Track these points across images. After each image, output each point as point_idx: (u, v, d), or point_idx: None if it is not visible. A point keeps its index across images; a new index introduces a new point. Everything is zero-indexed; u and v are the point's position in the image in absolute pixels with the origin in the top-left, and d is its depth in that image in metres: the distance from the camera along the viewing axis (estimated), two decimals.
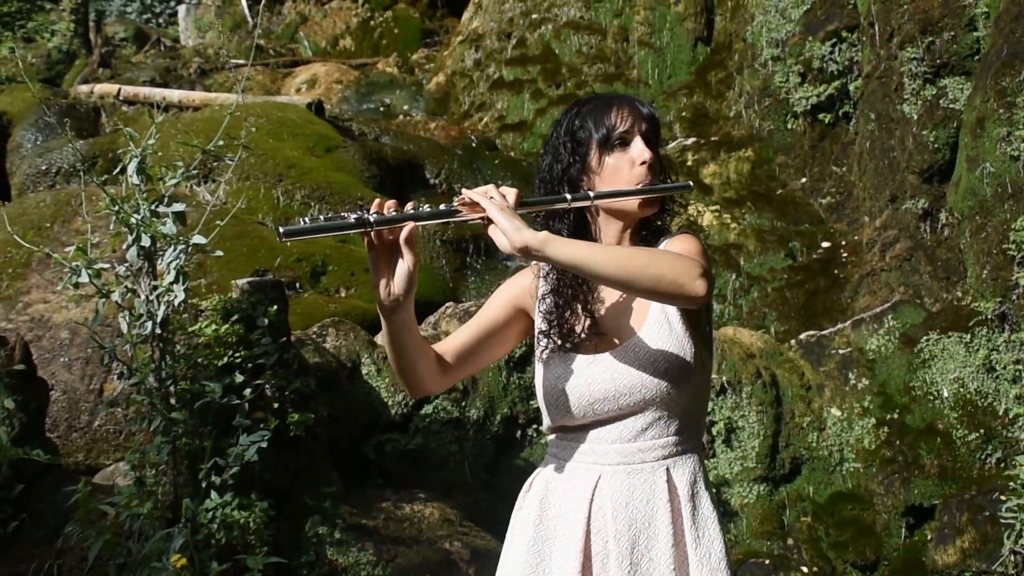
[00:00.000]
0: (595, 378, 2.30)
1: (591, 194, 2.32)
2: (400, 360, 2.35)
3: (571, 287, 2.40)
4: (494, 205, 2.13)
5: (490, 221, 2.14)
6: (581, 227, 2.40)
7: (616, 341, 2.34)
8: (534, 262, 2.38)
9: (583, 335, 2.38)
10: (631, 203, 2.36)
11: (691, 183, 2.41)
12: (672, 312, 2.31)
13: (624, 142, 2.36)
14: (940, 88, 7.36)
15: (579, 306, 2.39)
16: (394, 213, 2.15)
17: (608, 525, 2.29)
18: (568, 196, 2.31)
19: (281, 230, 2.04)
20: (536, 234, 2.11)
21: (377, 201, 2.17)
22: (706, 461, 5.99)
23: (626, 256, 2.16)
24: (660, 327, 2.30)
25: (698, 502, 2.32)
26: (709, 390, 2.48)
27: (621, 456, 2.31)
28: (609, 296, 2.41)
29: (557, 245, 2.11)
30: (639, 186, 2.34)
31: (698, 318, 2.34)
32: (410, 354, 2.34)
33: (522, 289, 2.50)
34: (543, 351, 2.41)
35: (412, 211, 2.16)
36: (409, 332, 2.29)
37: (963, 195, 6.71)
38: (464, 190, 2.19)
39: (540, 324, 2.43)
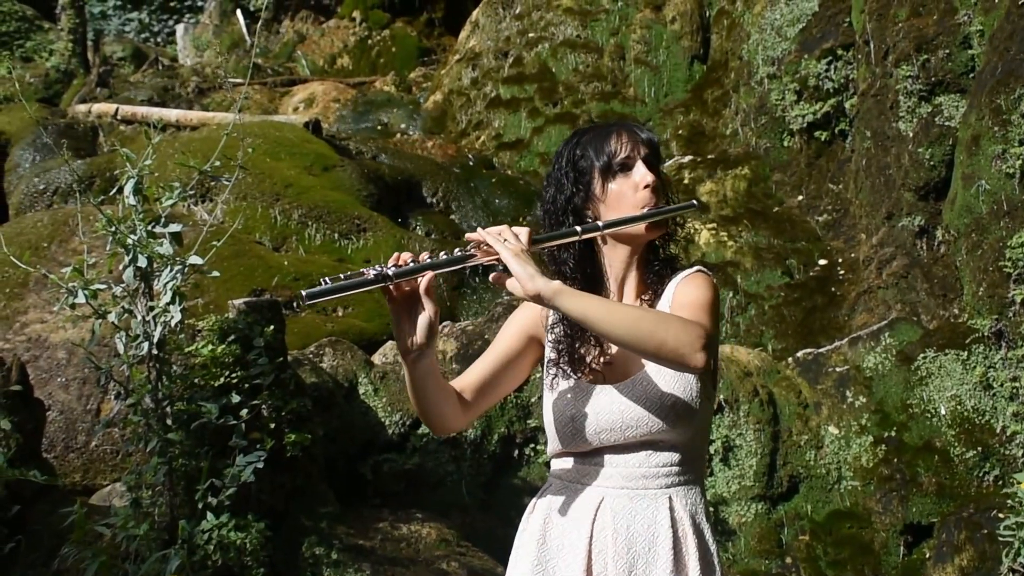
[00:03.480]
0: (603, 408, 2.33)
1: (600, 224, 2.34)
2: (423, 404, 2.36)
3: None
4: (508, 250, 2.16)
5: (504, 265, 2.17)
6: (588, 255, 2.43)
7: (625, 372, 2.37)
8: None
9: (592, 364, 2.40)
10: (638, 227, 2.38)
11: (695, 202, 2.43)
12: None
13: (626, 167, 2.39)
14: (935, 106, 7.37)
15: (589, 336, 2.41)
16: (411, 264, 2.18)
17: (608, 546, 2.31)
18: (578, 228, 2.33)
19: (304, 293, 2.08)
20: (549, 283, 2.14)
21: (395, 255, 2.20)
22: (704, 479, 5.99)
23: (633, 318, 2.17)
24: None
25: (701, 533, 2.35)
26: (711, 423, 2.53)
27: (625, 480, 2.34)
28: None
29: (568, 297, 2.15)
30: (645, 210, 2.37)
31: None
32: (434, 398, 2.35)
33: (534, 317, 2.51)
34: (553, 379, 2.43)
35: (428, 260, 2.19)
36: (432, 377, 2.31)
37: (959, 212, 6.73)
38: (478, 231, 2.21)
39: (550, 352, 2.45)
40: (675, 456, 2.34)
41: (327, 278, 2.12)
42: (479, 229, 2.23)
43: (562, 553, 2.36)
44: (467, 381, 2.45)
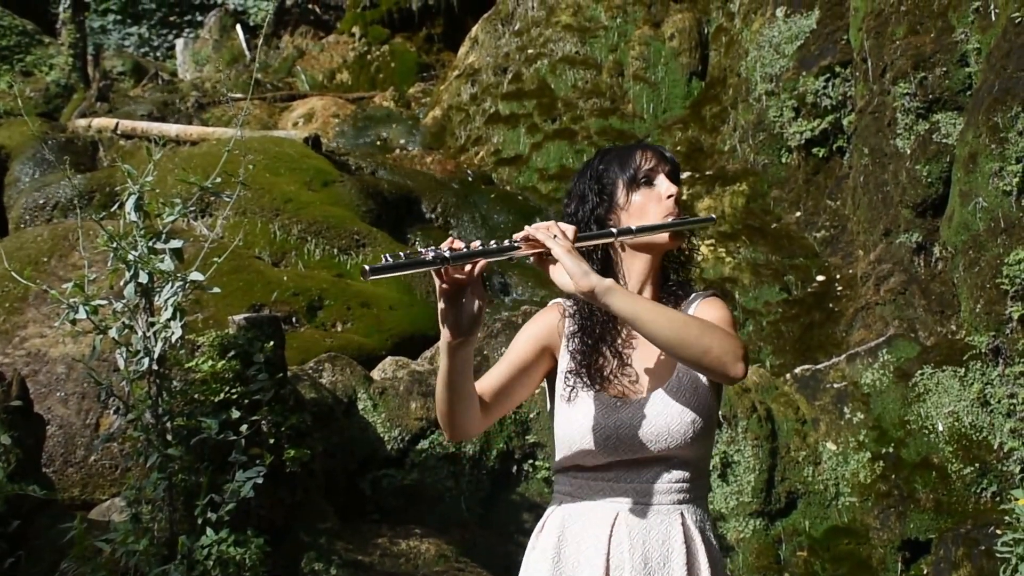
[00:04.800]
0: (623, 422, 2.34)
1: (633, 227, 2.39)
2: (451, 402, 2.35)
3: (600, 327, 2.43)
4: (559, 246, 2.19)
5: (551, 259, 2.21)
6: (608, 264, 2.45)
7: (644, 385, 2.39)
8: (559, 300, 2.51)
9: (611, 376, 2.41)
10: (661, 236, 2.43)
11: (714, 216, 2.56)
12: None
13: (649, 180, 2.46)
14: (933, 123, 7.41)
15: (607, 348, 2.43)
16: (465, 250, 2.18)
17: (625, 562, 2.32)
18: (614, 230, 2.38)
19: (366, 268, 2.07)
20: (602, 280, 2.17)
21: (449, 239, 2.20)
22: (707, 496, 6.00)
23: (681, 321, 2.21)
24: (690, 380, 2.36)
25: (712, 547, 2.39)
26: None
27: (638, 496, 2.36)
28: (637, 339, 2.43)
29: (620, 296, 2.18)
30: (669, 219, 2.43)
31: None
32: (462, 396, 2.35)
33: (549, 327, 2.51)
34: (571, 390, 2.42)
35: (480, 248, 2.19)
36: (465, 375, 2.32)
37: (956, 229, 6.75)
38: (526, 228, 2.24)
39: (568, 363, 2.44)
40: (687, 473, 2.37)
41: (388, 255, 2.12)
42: (526, 227, 2.26)
43: (579, 570, 2.36)
44: (485, 385, 2.45)
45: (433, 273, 2.20)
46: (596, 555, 2.34)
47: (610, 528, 2.35)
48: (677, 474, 2.36)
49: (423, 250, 2.16)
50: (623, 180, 2.46)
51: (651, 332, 2.19)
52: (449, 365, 2.30)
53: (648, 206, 2.44)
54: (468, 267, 2.20)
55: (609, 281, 2.18)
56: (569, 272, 2.17)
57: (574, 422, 2.39)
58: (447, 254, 2.14)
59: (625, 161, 2.48)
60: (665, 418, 2.33)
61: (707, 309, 2.42)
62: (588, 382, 2.40)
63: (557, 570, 2.39)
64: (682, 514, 2.36)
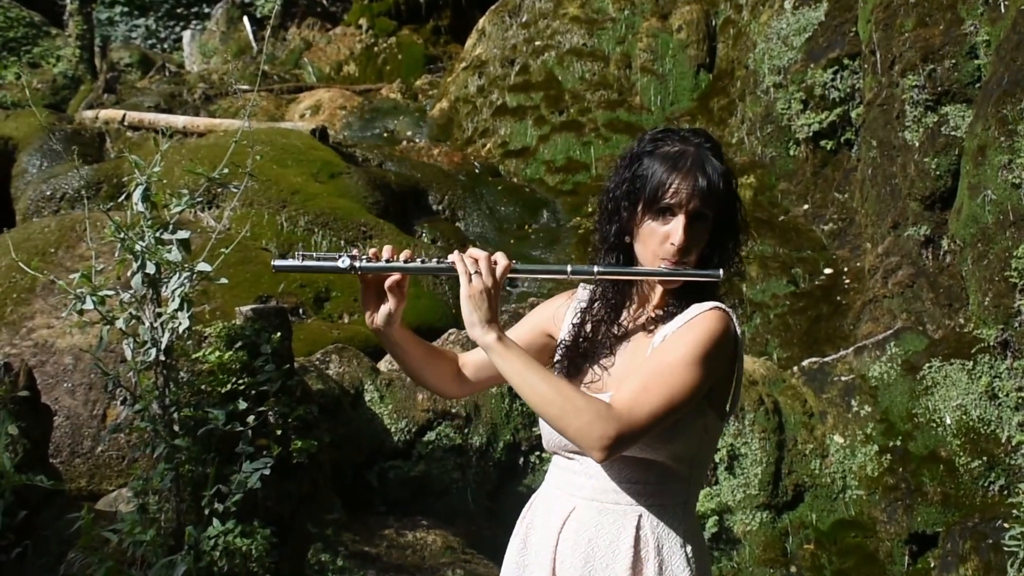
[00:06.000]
0: None
1: (595, 270, 2.30)
2: (406, 369, 2.51)
3: (595, 322, 2.40)
4: (467, 287, 2.21)
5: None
6: (629, 262, 2.36)
7: (613, 380, 2.31)
8: (570, 290, 2.51)
9: (591, 368, 2.37)
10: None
11: (720, 272, 2.28)
12: None
13: (667, 213, 2.26)
14: (941, 115, 7.38)
15: (597, 343, 2.39)
16: (383, 262, 2.31)
17: (567, 559, 2.29)
18: (568, 268, 2.32)
19: (273, 264, 2.32)
20: (484, 335, 2.19)
21: (378, 249, 2.32)
22: (709, 488, 5.99)
23: (545, 399, 2.15)
24: None
25: (667, 557, 2.26)
26: (712, 450, 2.41)
27: (595, 492, 2.30)
28: (629, 338, 2.37)
29: (495, 355, 2.20)
30: (661, 266, 2.27)
31: (712, 385, 2.27)
32: (410, 367, 2.49)
33: (552, 314, 2.51)
34: (556, 375, 2.40)
35: (401, 263, 2.31)
36: (404, 351, 2.45)
37: (965, 222, 6.73)
38: (456, 253, 2.26)
39: (557, 352, 2.44)
40: (649, 476, 2.26)
41: (301, 253, 2.30)
42: (456, 252, 2.27)
43: (538, 559, 2.35)
44: (470, 357, 2.54)
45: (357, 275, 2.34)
46: (546, 551, 2.33)
47: (562, 522, 2.32)
48: (638, 475, 2.26)
49: (339, 255, 2.29)
50: (644, 198, 2.27)
51: (520, 395, 2.22)
52: (384, 344, 2.45)
53: (651, 240, 2.28)
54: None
55: (492, 337, 2.18)
56: (463, 314, 2.22)
57: None
58: (358, 264, 2.28)
59: (657, 175, 2.26)
60: None
61: (675, 336, 2.24)
62: (565, 371, 2.39)
63: (523, 557, 2.40)
64: (640, 517, 2.26)
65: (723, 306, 2.28)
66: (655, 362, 2.21)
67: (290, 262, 2.30)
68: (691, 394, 2.17)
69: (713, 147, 2.33)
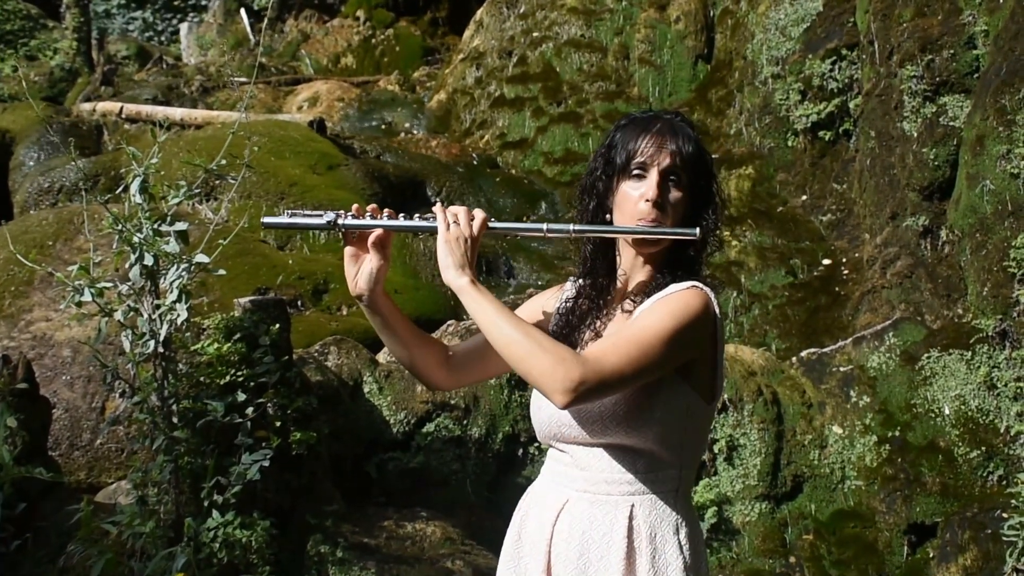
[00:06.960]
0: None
1: (572, 228, 2.34)
2: (393, 350, 2.50)
3: (582, 311, 2.41)
4: (444, 232, 2.26)
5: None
6: (609, 242, 2.40)
7: None
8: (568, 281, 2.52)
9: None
10: (630, 237, 2.33)
11: (696, 231, 2.26)
12: None
13: (640, 172, 2.30)
14: (940, 106, 7.37)
15: (585, 325, 2.40)
16: (367, 219, 2.36)
17: (562, 552, 2.29)
18: (544, 227, 2.39)
19: (263, 222, 2.42)
20: (458, 278, 2.22)
21: (361, 206, 2.38)
22: (708, 479, 5.99)
23: (510, 339, 2.16)
24: None
25: (660, 546, 2.26)
26: (702, 435, 2.38)
27: (588, 484, 2.29)
28: (613, 324, 2.38)
29: (466, 296, 2.22)
30: (638, 224, 2.28)
31: (691, 365, 2.27)
32: (398, 347, 2.48)
33: (542, 305, 2.53)
34: None
35: (384, 219, 2.36)
36: (390, 324, 2.44)
37: (963, 212, 6.73)
38: (437, 205, 2.33)
39: None
40: (640, 463, 2.25)
41: (289, 211, 2.42)
42: (438, 204, 2.34)
43: (532, 552, 2.35)
44: (460, 347, 2.54)
45: (341, 234, 2.38)
46: (541, 541, 2.33)
47: (556, 515, 2.31)
48: (628, 464, 2.25)
49: (323, 212, 2.37)
50: (618, 164, 2.31)
51: (488, 339, 2.21)
52: (371, 320, 2.45)
53: (628, 200, 2.30)
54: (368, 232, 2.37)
55: (465, 280, 2.22)
56: (439, 258, 2.26)
57: (536, 398, 2.39)
58: (341, 221, 2.35)
59: (628, 141, 2.31)
60: (598, 404, 2.21)
61: (650, 309, 2.24)
62: None
63: (516, 550, 2.40)
64: (632, 507, 2.25)
65: (702, 285, 2.29)
66: (627, 326, 2.26)
67: (278, 219, 2.40)
68: (660, 358, 2.17)
69: (684, 120, 2.39)
